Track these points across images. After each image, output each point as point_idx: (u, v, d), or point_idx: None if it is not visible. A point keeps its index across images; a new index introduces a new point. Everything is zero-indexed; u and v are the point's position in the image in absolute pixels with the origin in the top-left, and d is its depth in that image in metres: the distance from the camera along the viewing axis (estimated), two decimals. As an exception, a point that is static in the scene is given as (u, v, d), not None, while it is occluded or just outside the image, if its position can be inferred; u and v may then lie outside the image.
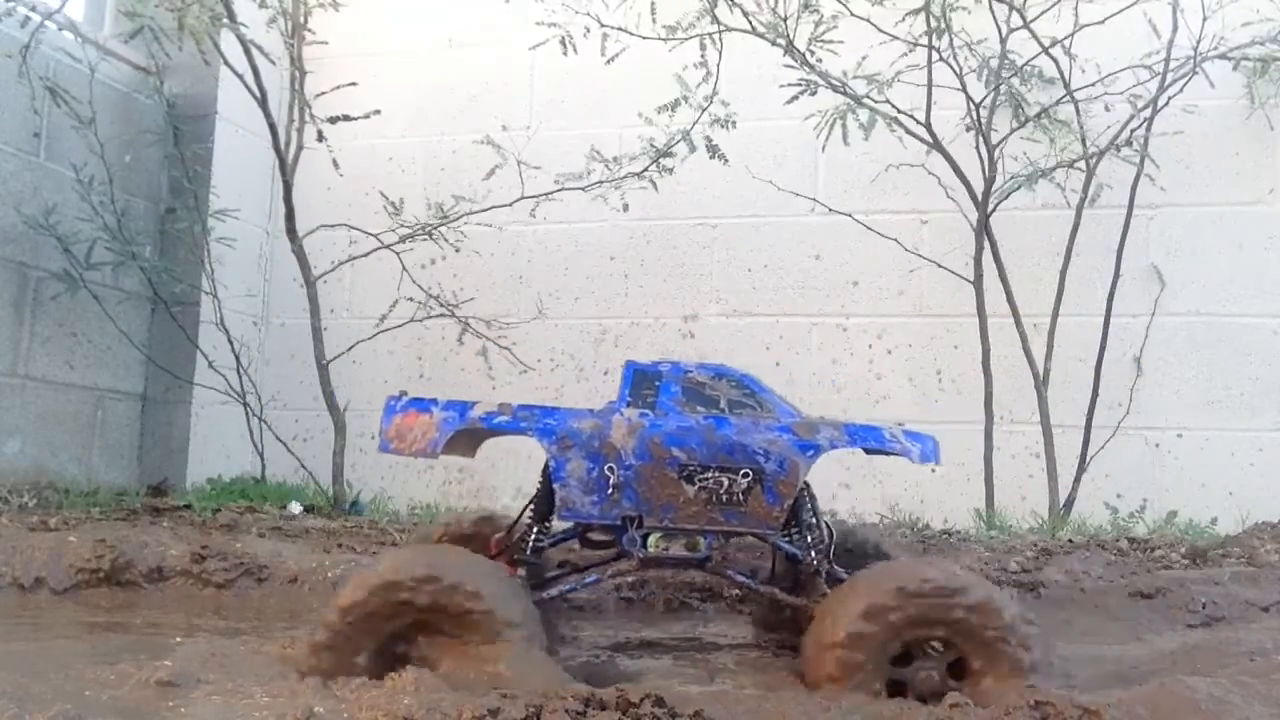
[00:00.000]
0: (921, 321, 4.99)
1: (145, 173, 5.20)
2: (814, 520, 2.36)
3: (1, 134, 4.45)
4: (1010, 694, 1.91)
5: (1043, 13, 4.35)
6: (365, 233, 4.95)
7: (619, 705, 1.74)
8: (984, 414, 4.52)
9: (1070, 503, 4.42)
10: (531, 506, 2.38)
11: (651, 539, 2.30)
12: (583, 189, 4.75)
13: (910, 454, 2.28)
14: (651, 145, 4.63)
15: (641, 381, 2.28)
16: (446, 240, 4.84)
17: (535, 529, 2.34)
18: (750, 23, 4.37)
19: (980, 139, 4.49)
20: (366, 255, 4.96)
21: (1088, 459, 4.51)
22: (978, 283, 4.56)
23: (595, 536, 2.48)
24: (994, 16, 4.38)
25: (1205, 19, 4.33)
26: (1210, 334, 4.72)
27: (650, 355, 5.12)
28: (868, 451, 2.36)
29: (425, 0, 5.70)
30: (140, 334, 5.13)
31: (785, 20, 4.32)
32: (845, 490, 4.89)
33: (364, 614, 1.97)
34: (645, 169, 4.66)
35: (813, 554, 2.30)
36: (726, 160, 4.54)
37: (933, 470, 4.86)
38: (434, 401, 2.27)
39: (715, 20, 4.38)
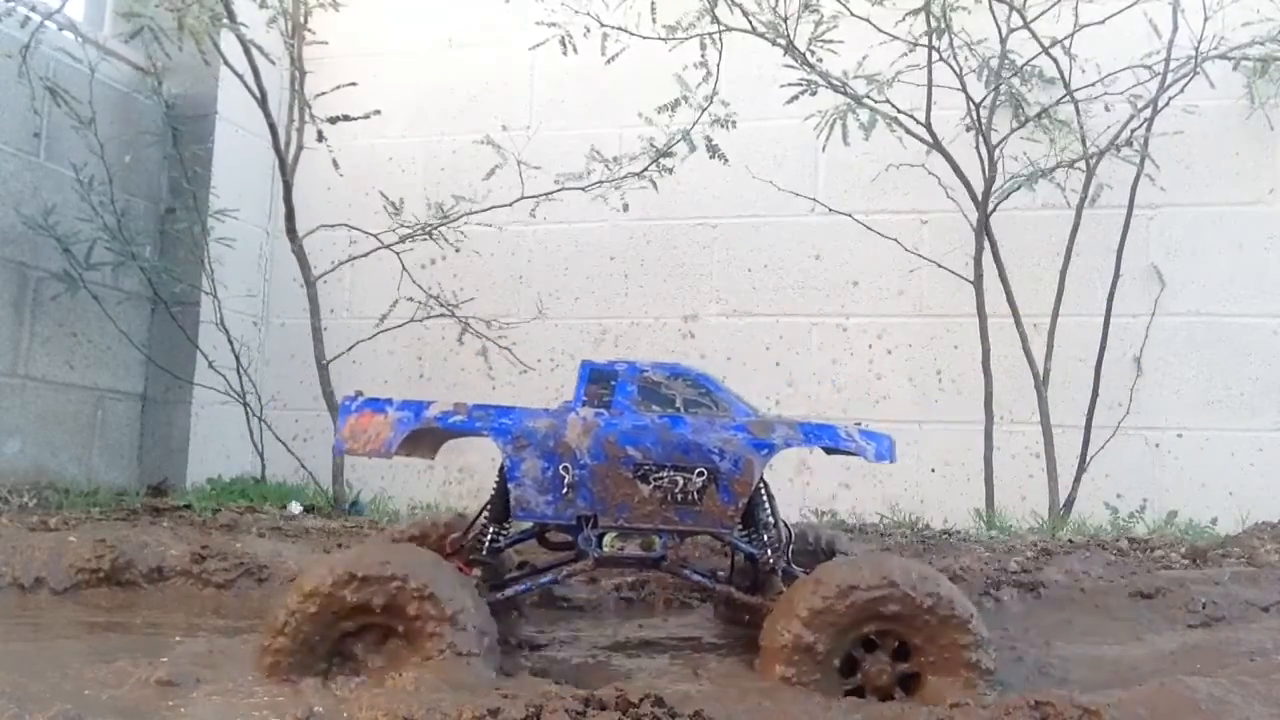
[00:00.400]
0: (921, 321, 4.99)
1: (145, 173, 5.20)
2: (770, 519, 2.36)
3: (1, 134, 4.46)
4: (965, 692, 1.92)
5: (1043, 13, 4.35)
6: (365, 233, 4.95)
7: (619, 705, 1.74)
8: (984, 414, 4.51)
9: (1070, 503, 4.41)
10: (488, 507, 2.36)
11: (607, 538, 2.30)
12: (583, 189, 4.75)
13: (865, 453, 2.28)
14: (651, 145, 4.63)
15: (597, 381, 2.27)
16: (446, 240, 4.84)
17: (491, 529, 2.32)
18: (750, 22, 4.37)
19: (980, 139, 4.49)
20: (366, 255, 4.96)
21: (1088, 459, 4.51)
22: (978, 283, 4.55)
23: (553, 537, 2.47)
24: (994, 16, 4.38)
25: (1206, 19, 4.33)
26: (1210, 334, 4.72)
27: (651, 355, 5.14)
28: (826, 451, 2.36)
29: (425, 0, 5.71)
30: (140, 334, 5.13)
31: (785, 20, 4.32)
32: (845, 490, 4.89)
33: (316, 609, 1.96)
34: (645, 169, 4.66)
35: (769, 552, 2.30)
36: (726, 160, 4.54)
37: (932, 470, 4.86)
38: (389, 401, 2.26)
39: (715, 20, 4.38)
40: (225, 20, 4.40)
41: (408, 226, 4.83)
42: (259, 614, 3.04)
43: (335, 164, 4.65)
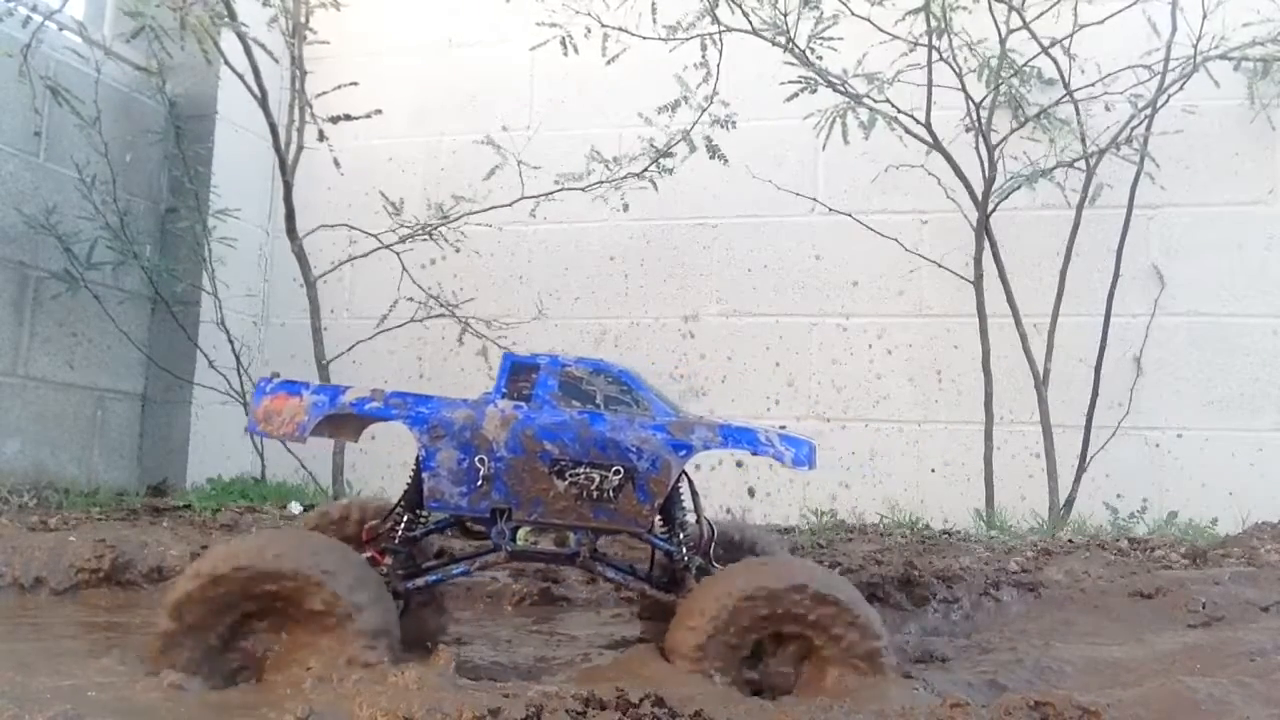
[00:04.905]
0: (921, 321, 4.99)
1: (146, 172, 5.20)
2: (688, 518, 2.35)
3: (2, 134, 4.46)
4: (866, 691, 1.93)
5: (1043, 13, 4.35)
6: (365, 233, 4.95)
7: (619, 705, 1.74)
8: (984, 414, 4.51)
9: (1070, 503, 4.41)
10: (404, 495, 2.34)
11: (521, 532, 2.28)
12: (583, 189, 4.75)
13: (783, 458, 2.24)
14: (651, 145, 4.63)
15: (518, 374, 2.25)
16: (446, 240, 4.84)
17: (405, 517, 2.30)
18: (750, 21, 4.37)
19: (980, 139, 4.49)
20: (366, 255, 4.96)
21: (1088, 459, 4.51)
22: (978, 283, 4.56)
23: (474, 526, 2.43)
24: (994, 16, 4.38)
25: (1204, 18, 4.33)
26: (1210, 334, 4.72)
27: (651, 355, 5.14)
28: (752, 453, 2.34)
29: (426, 0, 5.71)
30: (140, 334, 5.13)
31: (785, 18, 4.32)
32: (845, 490, 4.89)
33: (203, 601, 1.93)
34: (645, 169, 4.66)
35: (684, 550, 2.30)
36: (726, 160, 4.54)
37: (932, 470, 4.86)
38: (305, 385, 2.24)
39: (715, 20, 4.38)
40: (226, 19, 4.40)
41: (408, 226, 4.83)
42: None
43: (336, 163, 4.65)
